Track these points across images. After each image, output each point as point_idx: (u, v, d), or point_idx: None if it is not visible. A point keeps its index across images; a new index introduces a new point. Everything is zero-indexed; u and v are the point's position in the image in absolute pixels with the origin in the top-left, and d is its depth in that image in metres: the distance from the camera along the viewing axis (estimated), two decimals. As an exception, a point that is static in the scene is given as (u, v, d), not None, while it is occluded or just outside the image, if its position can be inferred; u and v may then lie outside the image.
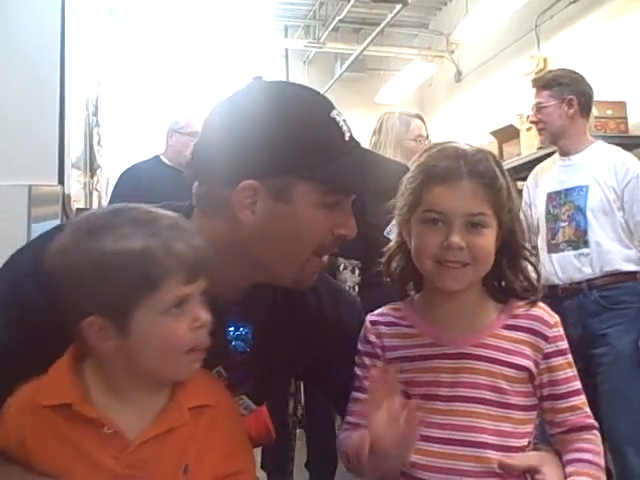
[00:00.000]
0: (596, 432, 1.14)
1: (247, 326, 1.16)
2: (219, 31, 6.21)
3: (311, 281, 1.14)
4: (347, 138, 1.09)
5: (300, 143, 1.04)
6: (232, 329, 1.15)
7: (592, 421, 1.13)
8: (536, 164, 4.50)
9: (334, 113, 1.09)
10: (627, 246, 2.68)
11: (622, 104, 4.01)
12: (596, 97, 2.94)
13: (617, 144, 2.93)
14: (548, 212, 2.86)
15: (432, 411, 1.11)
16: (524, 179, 4.98)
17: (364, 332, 1.21)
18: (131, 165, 3.49)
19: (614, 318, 2.64)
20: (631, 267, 2.67)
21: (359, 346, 1.21)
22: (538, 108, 2.85)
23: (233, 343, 1.15)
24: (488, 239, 1.10)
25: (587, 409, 1.13)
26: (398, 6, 5.53)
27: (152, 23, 6.06)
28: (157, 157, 3.51)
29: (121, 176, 3.42)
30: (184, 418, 1.00)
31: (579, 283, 2.71)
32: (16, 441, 0.99)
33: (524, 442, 1.12)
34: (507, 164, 4.69)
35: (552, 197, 2.86)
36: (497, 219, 1.11)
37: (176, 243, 0.97)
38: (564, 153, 2.86)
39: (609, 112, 3.83)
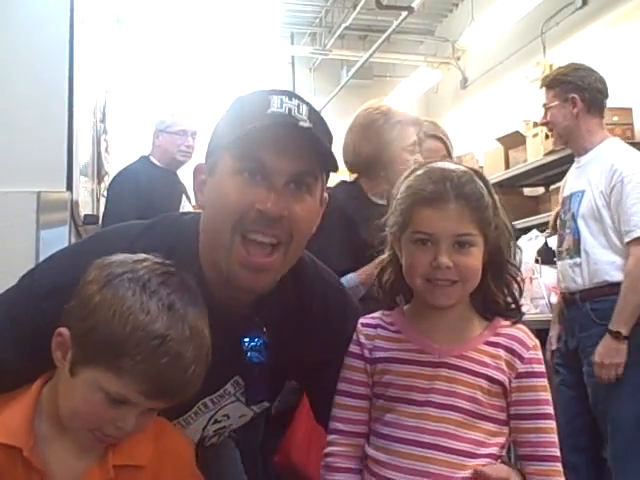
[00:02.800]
0: (556, 464, 1.15)
1: (260, 336, 1.18)
2: (226, 38, 6.25)
3: (242, 275, 1.09)
4: (270, 111, 1.07)
5: (225, 122, 1.13)
6: (247, 340, 1.17)
7: (554, 450, 1.15)
8: (542, 170, 4.54)
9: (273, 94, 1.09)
10: (623, 254, 2.46)
11: (628, 110, 4.02)
12: (602, 103, 2.89)
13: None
14: (560, 218, 2.75)
15: (405, 414, 1.15)
16: (530, 185, 5.02)
17: (356, 334, 1.25)
18: (123, 168, 3.41)
19: (601, 335, 2.45)
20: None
21: (350, 347, 1.25)
22: (545, 109, 2.72)
23: (249, 354, 1.17)
24: (475, 257, 1.16)
25: (553, 435, 1.16)
26: (404, 13, 5.55)
27: (159, 30, 6.09)
28: (146, 158, 3.46)
29: (117, 180, 3.35)
30: (108, 476, 0.99)
31: (573, 294, 2.59)
32: None
33: (493, 451, 1.15)
34: (513, 170, 4.69)
35: (564, 202, 2.73)
36: (483, 236, 1.16)
37: (165, 359, 0.94)
38: (576, 154, 2.71)
39: (615, 118, 3.82)
